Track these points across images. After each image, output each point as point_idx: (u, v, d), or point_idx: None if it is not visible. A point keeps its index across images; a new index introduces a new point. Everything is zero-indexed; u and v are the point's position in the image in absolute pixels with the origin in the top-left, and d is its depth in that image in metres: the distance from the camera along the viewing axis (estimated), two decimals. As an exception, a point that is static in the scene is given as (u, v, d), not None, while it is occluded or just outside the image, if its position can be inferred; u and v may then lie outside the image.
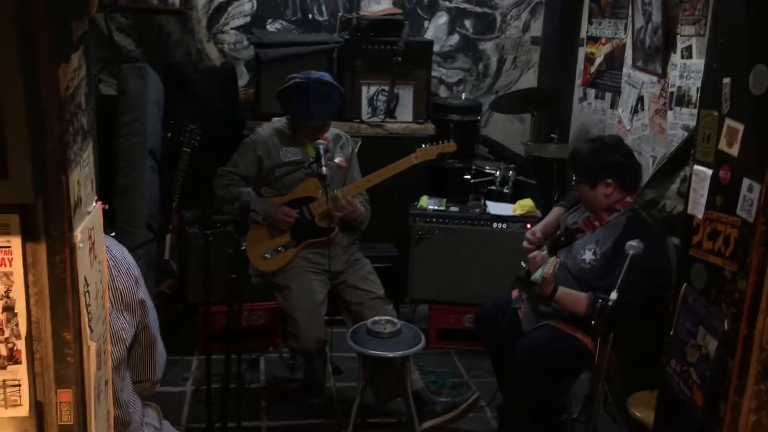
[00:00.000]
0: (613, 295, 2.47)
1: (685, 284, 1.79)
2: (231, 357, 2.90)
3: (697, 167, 1.75)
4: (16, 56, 1.10)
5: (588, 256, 2.93)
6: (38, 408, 1.30)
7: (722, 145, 1.64)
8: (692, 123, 3.42)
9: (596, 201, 2.98)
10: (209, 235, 3.03)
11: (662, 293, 2.81)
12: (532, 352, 2.90)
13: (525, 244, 3.16)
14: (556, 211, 3.33)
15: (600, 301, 2.48)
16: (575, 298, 2.88)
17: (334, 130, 3.61)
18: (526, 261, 3.08)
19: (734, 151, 1.60)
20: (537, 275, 2.82)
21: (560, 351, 2.91)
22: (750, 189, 1.54)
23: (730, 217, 1.61)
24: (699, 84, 3.38)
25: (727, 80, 1.62)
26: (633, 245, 2.57)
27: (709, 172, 1.69)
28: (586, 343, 2.91)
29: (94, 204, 1.48)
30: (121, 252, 1.84)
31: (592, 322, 2.53)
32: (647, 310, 2.80)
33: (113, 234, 3.11)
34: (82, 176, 1.39)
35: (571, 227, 2.99)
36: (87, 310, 1.39)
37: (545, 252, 2.93)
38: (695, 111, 3.40)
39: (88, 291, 1.41)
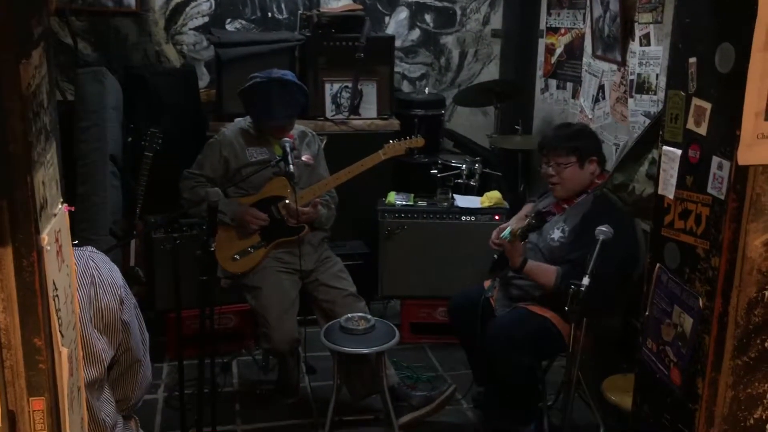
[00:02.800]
0: (585, 281, 2.49)
1: (658, 264, 1.80)
2: (205, 361, 2.85)
3: (666, 148, 1.76)
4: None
5: (557, 234, 3.01)
6: (11, 418, 1.26)
7: (690, 124, 1.66)
8: (653, 109, 3.48)
9: (582, 180, 3.06)
10: (177, 239, 2.98)
11: (630, 274, 2.86)
12: (506, 329, 2.96)
13: (493, 236, 3.18)
14: (527, 208, 3.37)
15: (572, 287, 2.50)
16: (544, 269, 2.96)
17: (299, 127, 3.57)
18: (497, 251, 3.11)
19: (702, 130, 1.62)
20: (506, 233, 2.92)
21: (532, 328, 2.98)
22: (720, 167, 1.55)
23: (701, 195, 1.63)
24: (658, 71, 3.43)
25: (693, 60, 1.64)
26: (603, 230, 2.60)
27: (679, 152, 1.71)
28: (555, 323, 2.97)
29: (59, 206, 1.44)
30: (109, 270, 1.80)
31: (565, 308, 2.55)
32: (616, 292, 2.85)
33: (76, 243, 3.04)
34: (47, 177, 1.35)
35: (542, 210, 3.03)
36: (57, 315, 1.35)
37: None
38: (655, 97, 3.47)
39: (57, 295, 1.37)
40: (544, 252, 3.02)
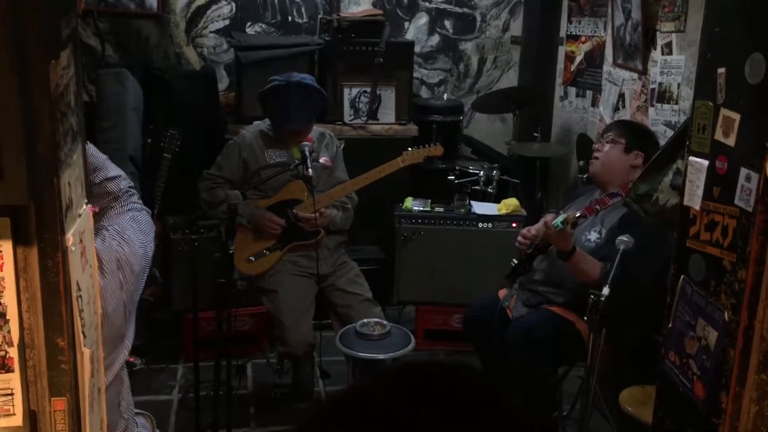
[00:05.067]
0: (605, 291, 2.47)
1: (682, 276, 1.78)
2: (221, 363, 2.86)
3: (692, 158, 1.74)
4: (10, 54, 1.06)
5: (593, 236, 2.97)
6: (32, 417, 1.26)
7: (718, 135, 1.64)
8: (674, 119, 3.45)
9: (619, 166, 3.02)
10: (195, 240, 2.99)
11: (657, 284, 2.82)
12: (528, 328, 2.92)
13: (519, 238, 3.13)
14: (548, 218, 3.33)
15: (592, 296, 2.47)
16: (591, 260, 2.87)
17: (318, 129, 3.57)
18: (517, 257, 3.07)
19: (731, 141, 1.60)
20: (558, 221, 2.79)
21: (555, 329, 2.93)
22: (748, 179, 1.53)
23: (728, 207, 1.61)
24: (680, 80, 3.41)
25: (722, 70, 1.62)
26: (624, 240, 2.57)
27: (705, 162, 1.69)
28: (577, 326, 2.93)
29: (84, 207, 1.44)
30: (130, 249, 1.78)
31: (584, 318, 2.52)
32: (639, 302, 2.81)
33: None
34: (73, 178, 1.35)
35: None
36: (80, 315, 1.35)
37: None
38: (677, 107, 3.44)
39: (80, 296, 1.37)
40: None
